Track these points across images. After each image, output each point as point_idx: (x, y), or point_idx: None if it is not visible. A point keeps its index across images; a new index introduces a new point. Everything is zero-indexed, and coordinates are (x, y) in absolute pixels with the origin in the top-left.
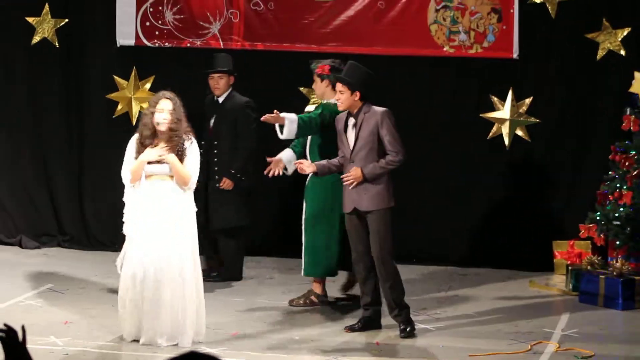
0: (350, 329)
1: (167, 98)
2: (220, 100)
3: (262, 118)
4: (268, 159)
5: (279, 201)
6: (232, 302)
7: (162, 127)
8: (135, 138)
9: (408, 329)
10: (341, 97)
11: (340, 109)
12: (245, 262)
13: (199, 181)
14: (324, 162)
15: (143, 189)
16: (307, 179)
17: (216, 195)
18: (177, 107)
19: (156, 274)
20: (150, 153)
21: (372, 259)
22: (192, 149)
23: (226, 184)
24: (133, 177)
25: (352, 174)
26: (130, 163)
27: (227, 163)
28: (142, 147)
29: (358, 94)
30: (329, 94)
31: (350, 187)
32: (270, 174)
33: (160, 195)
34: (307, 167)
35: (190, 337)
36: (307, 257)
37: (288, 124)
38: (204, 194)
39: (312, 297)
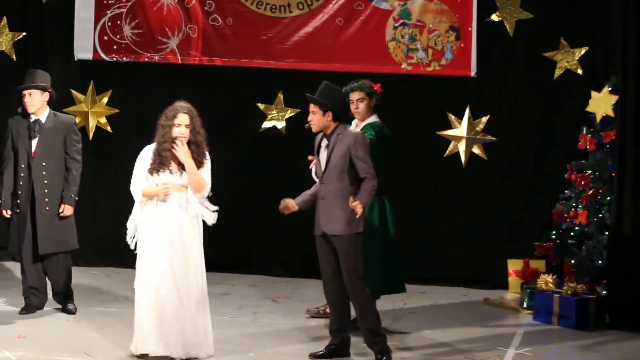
0: (314, 356)
1: (185, 112)
2: (43, 119)
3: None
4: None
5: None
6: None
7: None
8: (149, 149)
9: (384, 359)
10: (313, 118)
11: (313, 130)
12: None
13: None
14: (303, 196)
15: (157, 203)
16: None
17: (48, 219)
18: (194, 119)
19: (180, 291)
20: (169, 186)
21: (341, 283)
22: (208, 159)
23: (66, 209)
24: (145, 197)
25: (357, 208)
26: (141, 178)
27: (56, 186)
28: (159, 158)
29: (330, 114)
30: (371, 113)
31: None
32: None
33: (175, 207)
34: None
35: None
36: None
37: None
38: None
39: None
